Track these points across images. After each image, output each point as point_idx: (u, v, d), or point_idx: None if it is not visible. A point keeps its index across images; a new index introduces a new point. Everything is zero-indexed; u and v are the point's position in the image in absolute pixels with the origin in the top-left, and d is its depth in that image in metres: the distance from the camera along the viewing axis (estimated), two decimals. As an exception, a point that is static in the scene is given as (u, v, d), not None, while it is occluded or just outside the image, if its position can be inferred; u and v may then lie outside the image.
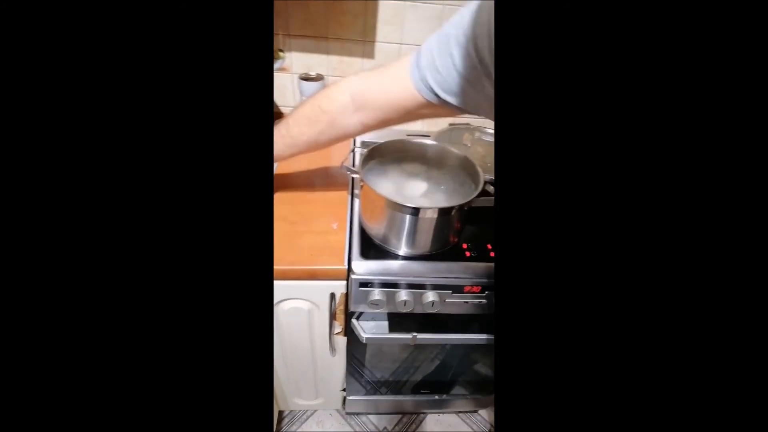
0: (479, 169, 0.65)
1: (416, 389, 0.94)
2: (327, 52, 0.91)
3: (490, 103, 0.44)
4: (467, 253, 0.67)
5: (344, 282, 0.65)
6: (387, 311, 0.71)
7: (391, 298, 0.64)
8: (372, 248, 0.67)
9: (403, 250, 0.65)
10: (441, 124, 1.01)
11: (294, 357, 0.81)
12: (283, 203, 0.73)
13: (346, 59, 0.92)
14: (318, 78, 0.91)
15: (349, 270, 0.63)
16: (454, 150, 0.72)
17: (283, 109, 1.00)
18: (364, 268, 0.63)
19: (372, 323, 0.72)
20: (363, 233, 0.69)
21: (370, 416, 1.07)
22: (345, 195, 0.77)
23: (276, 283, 0.64)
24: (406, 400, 0.96)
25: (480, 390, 0.96)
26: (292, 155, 0.64)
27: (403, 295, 0.63)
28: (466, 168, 0.70)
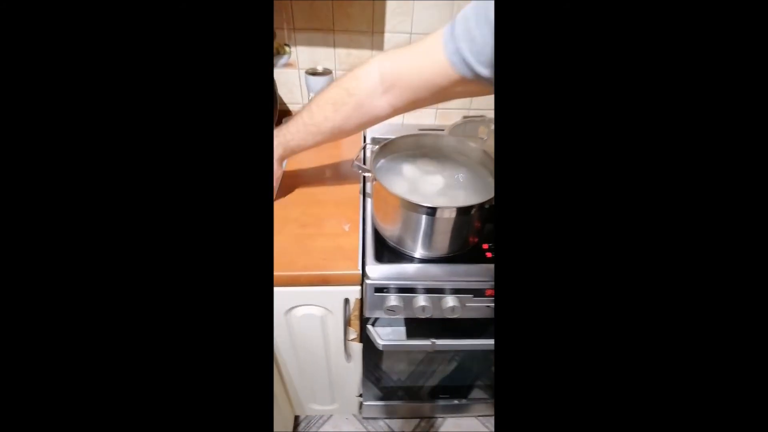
0: (499, 164, 0.61)
1: (434, 394, 0.91)
2: (334, 45, 0.87)
3: None
4: (488, 254, 0.63)
5: (358, 287, 0.62)
6: (404, 317, 0.67)
7: (408, 304, 0.61)
8: (386, 250, 0.63)
9: (419, 252, 0.62)
10: (455, 117, 0.96)
11: (308, 363, 0.78)
12: (292, 205, 0.70)
13: (354, 52, 0.88)
14: (326, 72, 0.88)
15: (364, 274, 0.60)
16: (471, 143, 0.68)
17: (291, 107, 0.97)
18: (378, 272, 0.60)
19: (388, 329, 0.68)
20: (376, 235, 0.65)
21: (387, 419, 1.04)
22: (356, 194, 0.74)
23: (288, 289, 0.62)
24: (424, 405, 0.93)
25: (501, 394, 0.92)
26: (315, 144, 0.59)
27: (422, 300, 0.60)
28: (484, 162, 0.66)
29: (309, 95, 0.91)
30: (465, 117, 0.94)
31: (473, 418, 1.06)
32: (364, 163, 0.78)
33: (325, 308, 0.66)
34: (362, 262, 0.61)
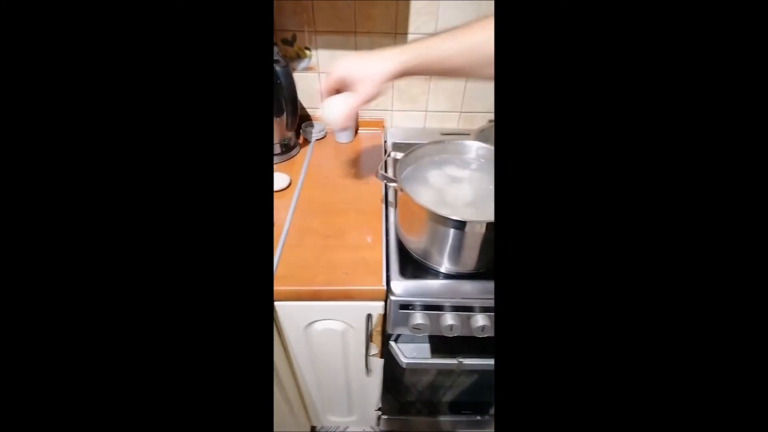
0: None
1: (455, 408, 0.88)
2: (356, 47, 0.85)
3: None
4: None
5: (381, 303, 0.59)
6: (430, 334, 0.64)
7: (435, 322, 0.57)
8: (410, 264, 0.60)
9: (445, 267, 0.58)
10: (479, 121, 0.93)
11: (327, 376, 0.76)
12: (313, 215, 0.68)
13: (376, 55, 0.85)
14: (346, 76, 0.85)
15: (388, 290, 0.57)
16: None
17: (311, 112, 0.95)
18: (403, 288, 0.57)
19: (411, 345, 0.65)
20: (401, 247, 0.62)
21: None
22: (377, 203, 0.71)
23: (309, 303, 0.59)
24: (444, 420, 0.90)
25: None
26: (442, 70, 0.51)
27: (449, 318, 0.56)
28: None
29: (329, 99, 0.88)
30: (491, 121, 0.90)
31: (494, 434, 1.02)
32: (386, 171, 0.75)
33: (346, 323, 0.63)
34: (386, 277, 0.58)
